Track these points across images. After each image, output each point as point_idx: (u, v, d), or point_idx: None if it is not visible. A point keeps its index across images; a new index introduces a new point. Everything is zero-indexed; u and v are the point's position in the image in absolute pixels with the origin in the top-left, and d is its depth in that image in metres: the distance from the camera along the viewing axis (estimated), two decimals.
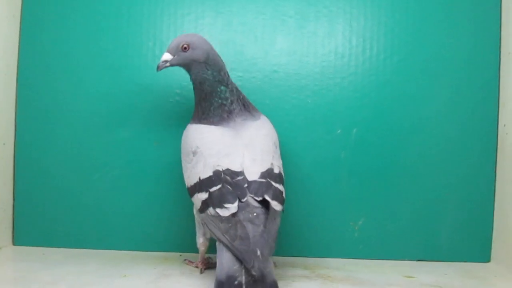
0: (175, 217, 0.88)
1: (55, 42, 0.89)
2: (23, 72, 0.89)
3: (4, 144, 0.86)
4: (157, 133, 0.88)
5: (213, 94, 0.75)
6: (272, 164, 0.73)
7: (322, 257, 0.87)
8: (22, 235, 0.89)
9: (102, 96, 0.89)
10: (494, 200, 0.86)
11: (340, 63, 0.88)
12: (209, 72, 0.75)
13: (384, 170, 0.87)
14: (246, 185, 0.69)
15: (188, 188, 0.73)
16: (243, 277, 0.62)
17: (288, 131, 0.87)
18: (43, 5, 0.89)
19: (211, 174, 0.70)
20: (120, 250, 0.88)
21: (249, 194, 0.68)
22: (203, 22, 0.89)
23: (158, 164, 0.88)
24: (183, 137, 0.77)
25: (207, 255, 0.78)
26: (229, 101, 0.76)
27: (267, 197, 0.68)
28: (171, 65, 0.76)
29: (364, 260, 0.86)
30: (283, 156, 0.84)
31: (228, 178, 0.69)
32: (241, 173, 0.70)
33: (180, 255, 0.86)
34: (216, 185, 0.69)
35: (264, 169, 0.72)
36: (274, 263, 0.80)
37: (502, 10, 0.87)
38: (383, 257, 0.86)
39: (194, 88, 0.77)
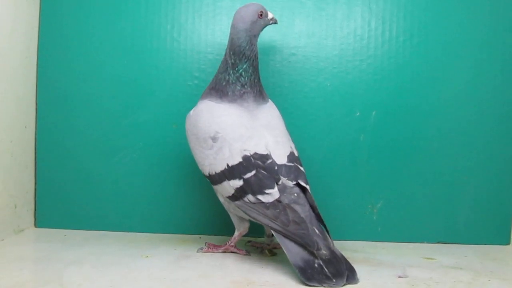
0: (194, 199, 0.88)
1: (74, 26, 0.89)
2: (43, 55, 0.89)
3: (25, 127, 0.86)
4: (176, 116, 0.87)
5: (237, 63, 0.74)
6: (291, 147, 0.74)
7: (341, 239, 0.85)
8: (43, 217, 0.89)
9: (121, 79, 0.88)
10: None
11: (359, 46, 0.87)
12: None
13: (403, 153, 0.86)
14: (276, 168, 0.69)
15: (211, 176, 0.72)
16: (318, 259, 0.62)
17: (306, 114, 0.87)
18: None
19: (240, 160, 0.69)
20: (140, 232, 0.88)
21: (282, 177, 0.69)
22: (221, 5, 0.88)
23: (177, 147, 0.87)
24: (192, 120, 0.74)
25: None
26: (248, 78, 0.74)
27: (301, 182, 0.69)
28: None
29: (383, 242, 0.85)
30: (302, 139, 0.85)
31: (259, 162, 0.69)
32: (268, 156, 0.70)
33: (200, 237, 0.86)
34: (250, 171, 0.68)
35: (288, 152, 0.72)
36: None
37: None
38: (402, 240, 0.86)
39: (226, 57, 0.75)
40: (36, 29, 0.88)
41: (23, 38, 0.85)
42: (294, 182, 0.69)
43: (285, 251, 0.65)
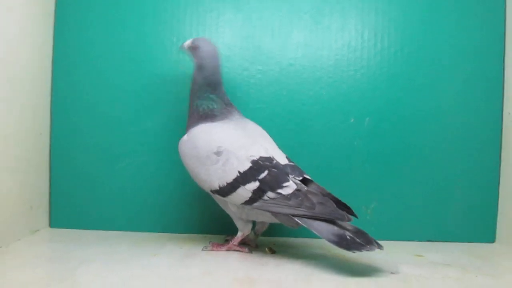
0: (199, 200, 0.88)
1: (87, 40, 0.89)
2: (57, 67, 0.89)
3: (40, 134, 0.87)
4: (181, 123, 0.87)
5: (216, 91, 0.76)
6: (285, 155, 0.75)
7: None
8: (58, 218, 0.90)
9: (129, 89, 0.88)
10: (499, 184, 0.85)
11: (353, 56, 0.87)
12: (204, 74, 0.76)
13: (395, 157, 0.86)
14: (282, 167, 0.71)
15: (221, 188, 0.71)
16: (347, 232, 0.65)
17: (304, 120, 0.87)
18: (75, 4, 0.89)
19: (250, 165, 0.70)
20: (148, 231, 0.88)
21: (290, 175, 0.70)
22: (224, 19, 0.88)
23: None
24: (189, 144, 0.73)
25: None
26: (225, 98, 0.76)
27: (307, 176, 0.72)
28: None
29: (377, 240, 0.85)
30: (300, 145, 0.85)
31: (267, 163, 0.70)
32: (272, 158, 0.71)
33: (205, 237, 0.86)
34: (262, 172, 0.69)
35: (285, 155, 0.74)
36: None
37: (506, 6, 0.86)
38: (394, 238, 0.86)
39: (196, 88, 0.76)
40: (51, 44, 0.89)
41: (38, 52, 0.85)
42: (300, 178, 0.71)
43: (315, 232, 0.66)
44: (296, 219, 0.68)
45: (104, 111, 0.89)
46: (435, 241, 0.86)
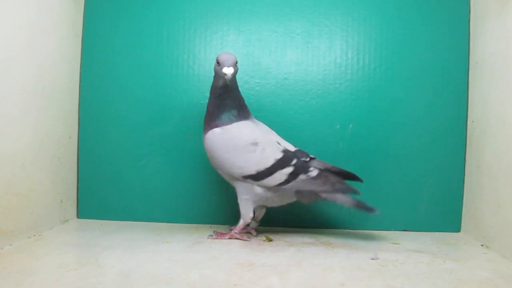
0: (206, 195, 0.87)
1: (110, 56, 0.88)
2: (84, 82, 0.88)
3: (70, 137, 0.86)
4: (190, 128, 0.87)
5: (240, 96, 0.75)
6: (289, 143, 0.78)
7: (324, 228, 0.86)
8: (84, 210, 0.89)
9: (147, 98, 0.88)
10: (463, 181, 0.85)
11: (338, 72, 0.87)
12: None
13: (374, 158, 0.86)
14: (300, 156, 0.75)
15: (259, 172, 0.71)
16: (356, 200, 0.74)
17: (297, 126, 0.86)
18: (100, 26, 0.89)
19: (282, 154, 0.73)
20: (162, 222, 0.88)
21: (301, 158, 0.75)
22: (227, 39, 0.88)
23: (191, 153, 0.87)
24: (227, 135, 0.72)
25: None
26: (245, 102, 0.76)
27: (311, 156, 0.76)
28: (233, 75, 0.71)
29: (359, 230, 0.85)
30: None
31: (291, 154, 0.74)
32: (289, 150, 0.75)
33: (210, 226, 0.85)
34: (293, 160, 0.73)
35: (291, 144, 0.78)
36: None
37: (470, 28, 0.85)
38: (374, 228, 0.85)
39: (224, 94, 0.72)
40: (79, 60, 0.88)
41: (68, 67, 0.85)
42: (308, 159, 0.75)
43: (337, 202, 0.74)
44: (322, 194, 0.73)
45: (125, 118, 0.88)
46: (410, 230, 0.85)
